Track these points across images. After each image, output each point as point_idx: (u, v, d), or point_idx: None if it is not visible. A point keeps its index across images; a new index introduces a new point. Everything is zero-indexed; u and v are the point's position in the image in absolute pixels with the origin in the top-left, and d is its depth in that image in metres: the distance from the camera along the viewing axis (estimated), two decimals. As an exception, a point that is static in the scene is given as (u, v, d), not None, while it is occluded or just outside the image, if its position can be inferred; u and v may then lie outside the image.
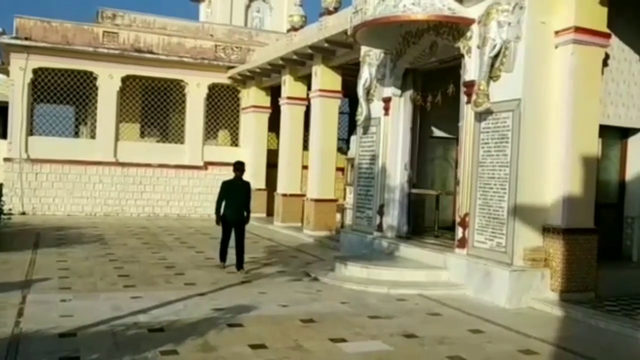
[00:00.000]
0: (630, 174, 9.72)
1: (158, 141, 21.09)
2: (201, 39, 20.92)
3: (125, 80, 19.60)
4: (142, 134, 21.06)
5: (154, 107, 20.32)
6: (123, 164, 19.56)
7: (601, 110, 8.79)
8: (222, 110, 21.31)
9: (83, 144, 20.03)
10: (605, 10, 8.41)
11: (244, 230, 10.15)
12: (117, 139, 19.60)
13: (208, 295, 8.10)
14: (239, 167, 10.21)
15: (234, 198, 9.96)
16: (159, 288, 8.59)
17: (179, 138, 20.76)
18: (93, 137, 19.76)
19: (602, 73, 8.74)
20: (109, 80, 19.23)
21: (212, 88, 20.80)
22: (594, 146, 8.61)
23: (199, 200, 20.49)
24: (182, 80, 20.30)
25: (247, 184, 10.33)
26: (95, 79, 19.23)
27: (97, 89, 19.29)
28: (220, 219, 10.08)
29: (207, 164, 20.61)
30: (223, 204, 9.99)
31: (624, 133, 9.67)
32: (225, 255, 10.27)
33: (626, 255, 9.75)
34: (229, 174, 20.78)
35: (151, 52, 19.76)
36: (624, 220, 9.81)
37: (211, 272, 9.95)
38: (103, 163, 19.30)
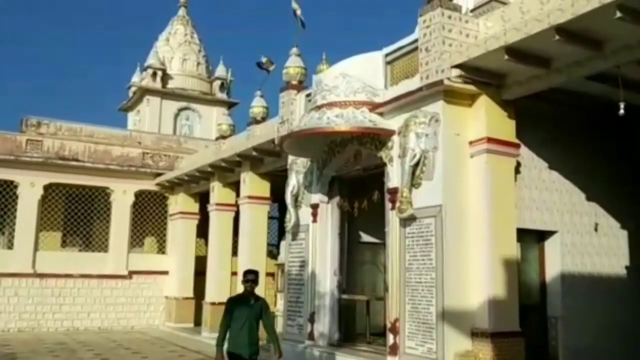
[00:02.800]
0: (549, 275, 10.08)
1: (80, 250, 20.29)
2: (129, 146, 20.83)
3: (48, 188, 19.03)
4: (64, 243, 20.22)
5: (77, 215, 19.70)
6: (42, 275, 18.59)
7: (518, 214, 9.22)
8: (149, 217, 20.92)
9: (-2, 255, 19.04)
10: (513, 122, 9.07)
11: None
12: (36, 248, 18.71)
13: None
14: (250, 277, 7.00)
15: (246, 323, 6.80)
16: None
17: (102, 246, 20.05)
18: (10, 247, 18.80)
19: (516, 180, 9.26)
20: (30, 189, 18.64)
21: (139, 195, 20.50)
22: (513, 250, 8.95)
23: (122, 311, 19.63)
24: (107, 188, 19.92)
25: (263, 302, 7.09)
26: (15, 187, 18.62)
27: (17, 197, 18.65)
28: (228, 355, 6.85)
29: (132, 273, 19.91)
30: (228, 332, 6.86)
31: (541, 236, 10.12)
32: None
33: (552, 356, 9.91)
34: (154, 282, 20.69)
35: (76, 160, 19.42)
36: (547, 320, 10.05)
37: (133, 392, 9.36)
38: (20, 275, 18.28)
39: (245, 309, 6.88)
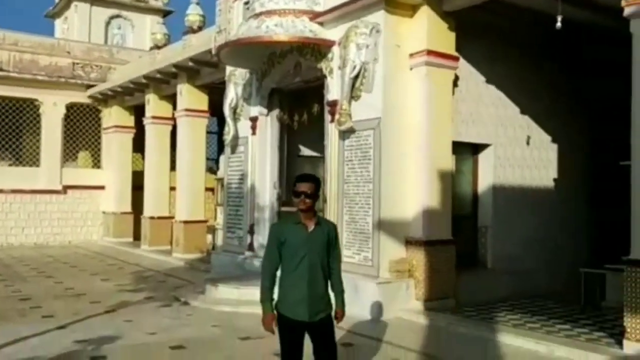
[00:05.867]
0: (481, 186, 10.44)
1: (10, 165, 19.55)
2: (57, 56, 19.76)
3: (-29, 99, 18.05)
4: (-8, 158, 19.45)
5: (5, 128, 18.82)
6: (-30, 191, 17.95)
7: (454, 128, 9.38)
8: (82, 131, 20.24)
9: None
10: (453, 35, 9.04)
11: (334, 334, 4.38)
12: (-38, 164, 17.97)
13: (68, 328, 7.60)
14: (304, 189, 4.10)
15: (303, 263, 4.11)
16: (12, 323, 7.92)
17: (34, 161, 19.38)
18: None
19: (454, 93, 9.35)
20: (-49, 100, 17.62)
21: (71, 107, 19.70)
22: (448, 162, 9.17)
23: (58, 226, 19.32)
24: (36, 100, 19.01)
25: (331, 228, 4.29)
26: None
27: (-63, 109, 17.63)
28: (277, 316, 4.16)
29: (66, 188, 19.45)
30: (278, 275, 4.23)
31: (475, 149, 10.38)
32: None
33: (481, 262, 10.44)
34: (90, 197, 20.32)
35: (1, 69, 18.34)
36: (478, 230, 10.50)
37: (72, 303, 9.35)
38: (-54, 191, 17.62)
39: (301, 239, 4.13)
